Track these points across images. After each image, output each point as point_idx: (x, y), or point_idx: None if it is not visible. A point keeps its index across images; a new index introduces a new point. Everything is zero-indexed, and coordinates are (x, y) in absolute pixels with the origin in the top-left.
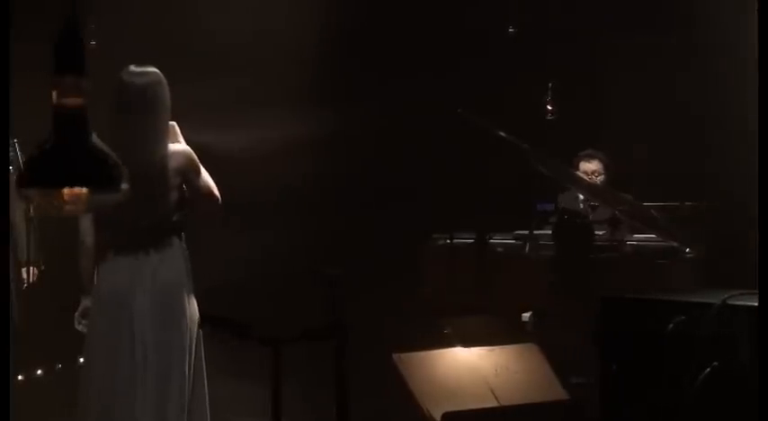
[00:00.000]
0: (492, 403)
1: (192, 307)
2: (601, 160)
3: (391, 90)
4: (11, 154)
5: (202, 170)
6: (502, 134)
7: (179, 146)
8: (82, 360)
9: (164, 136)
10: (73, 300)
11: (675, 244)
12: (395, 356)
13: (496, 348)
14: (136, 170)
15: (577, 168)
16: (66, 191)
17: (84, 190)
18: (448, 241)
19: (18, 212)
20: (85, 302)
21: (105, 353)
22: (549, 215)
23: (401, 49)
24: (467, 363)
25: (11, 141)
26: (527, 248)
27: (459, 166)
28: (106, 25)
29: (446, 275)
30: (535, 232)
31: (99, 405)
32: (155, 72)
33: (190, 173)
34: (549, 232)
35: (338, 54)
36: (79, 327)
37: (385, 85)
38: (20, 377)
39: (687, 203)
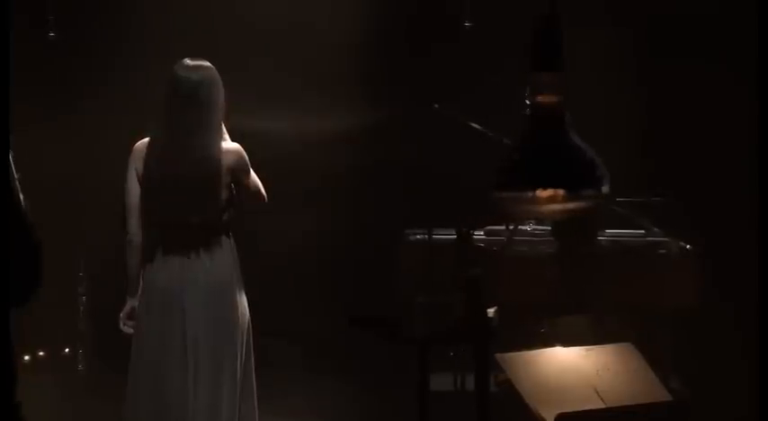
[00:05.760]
0: (598, 404)
1: (243, 306)
2: None
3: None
4: None
5: (251, 169)
6: (482, 129)
7: (231, 144)
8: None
9: (216, 133)
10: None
11: (669, 239)
12: (497, 356)
13: (594, 348)
14: (187, 168)
15: None
16: (541, 193)
17: (561, 192)
18: (422, 236)
19: None
20: (131, 303)
21: (155, 354)
22: None
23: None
24: (569, 363)
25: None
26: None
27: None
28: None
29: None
30: (516, 227)
31: (150, 405)
32: (209, 67)
33: (240, 172)
34: (527, 228)
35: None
36: (124, 329)
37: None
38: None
39: (655, 198)
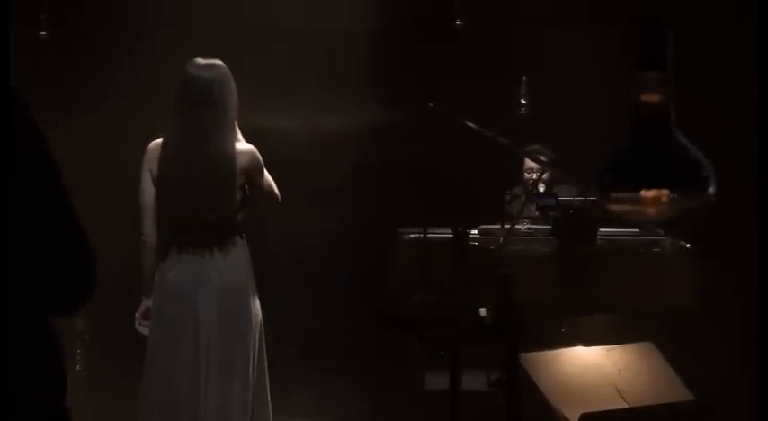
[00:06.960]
0: (620, 403)
1: (256, 307)
2: (546, 156)
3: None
4: None
5: (265, 170)
6: (480, 130)
7: (245, 145)
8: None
9: (230, 133)
10: None
11: (664, 237)
12: (520, 356)
13: (616, 347)
14: (202, 168)
15: (522, 163)
16: (646, 193)
17: (666, 192)
18: (416, 236)
19: None
20: (146, 303)
21: (169, 353)
22: (551, 210)
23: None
24: (590, 363)
25: None
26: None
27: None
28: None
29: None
30: (514, 226)
31: (162, 404)
32: (221, 65)
33: (254, 173)
34: (521, 227)
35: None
36: (140, 329)
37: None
38: None
39: None
